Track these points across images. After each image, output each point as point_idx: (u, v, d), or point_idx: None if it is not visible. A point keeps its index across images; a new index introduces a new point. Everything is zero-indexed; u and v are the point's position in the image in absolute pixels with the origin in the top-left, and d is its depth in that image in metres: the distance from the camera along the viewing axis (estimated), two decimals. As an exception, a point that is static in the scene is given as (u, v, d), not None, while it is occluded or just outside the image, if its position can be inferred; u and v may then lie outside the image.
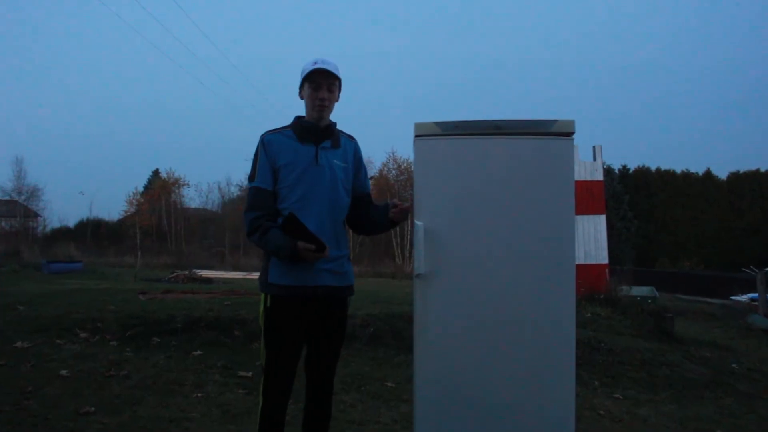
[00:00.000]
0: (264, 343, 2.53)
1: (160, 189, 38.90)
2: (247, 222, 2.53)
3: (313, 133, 2.57)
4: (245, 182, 37.63)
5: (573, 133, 2.56)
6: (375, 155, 41.81)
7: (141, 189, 41.41)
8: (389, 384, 4.98)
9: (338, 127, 2.69)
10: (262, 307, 2.55)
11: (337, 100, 2.65)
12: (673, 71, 66.83)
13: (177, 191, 39.90)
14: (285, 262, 2.46)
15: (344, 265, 2.59)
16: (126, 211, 39.74)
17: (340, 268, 2.56)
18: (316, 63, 2.54)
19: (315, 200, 2.51)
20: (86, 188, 67.61)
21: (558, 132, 2.55)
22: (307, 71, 2.55)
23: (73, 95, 62.14)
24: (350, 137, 2.73)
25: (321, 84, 2.55)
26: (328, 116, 2.62)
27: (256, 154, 2.58)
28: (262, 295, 2.56)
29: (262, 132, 2.60)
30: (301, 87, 2.61)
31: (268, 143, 2.56)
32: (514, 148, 2.57)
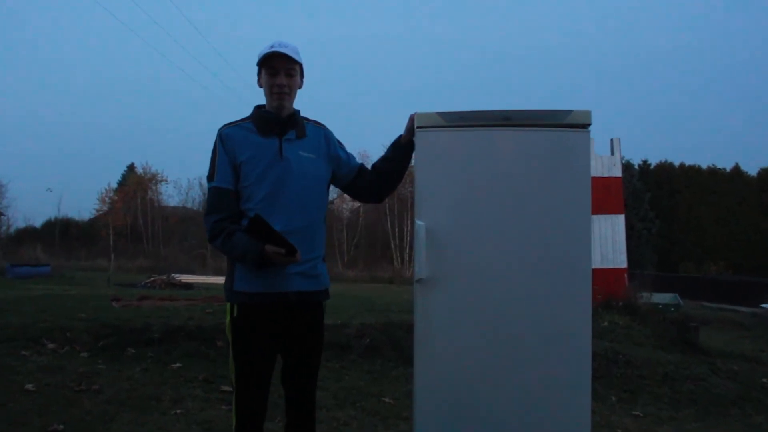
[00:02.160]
0: (233, 357, 2.52)
1: (135, 185, 38.87)
2: (209, 226, 2.50)
3: (274, 123, 2.54)
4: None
5: (589, 124, 2.56)
6: (371, 149, 41.75)
7: (114, 185, 41.37)
8: (387, 400, 4.98)
9: (325, 120, 2.69)
10: (228, 318, 2.52)
11: (299, 87, 2.63)
12: (699, 58, 66.98)
13: (154, 188, 39.89)
14: (251, 268, 2.45)
15: (317, 267, 2.57)
16: (98, 210, 39.75)
17: (312, 270, 2.54)
18: (272, 47, 2.52)
19: (282, 198, 2.48)
20: (54, 185, 67.25)
21: (573, 123, 2.56)
22: (262, 55, 2.53)
23: (39, 84, 61.97)
24: (317, 124, 2.71)
25: (278, 69, 2.53)
26: (291, 104, 2.60)
27: (214, 151, 2.55)
28: (228, 305, 2.54)
29: (221, 125, 2.57)
30: (259, 75, 2.59)
31: (226, 138, 2.53)
32: (525, 140, 2.57)
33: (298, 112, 2.64)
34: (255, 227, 2.38)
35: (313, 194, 2.57)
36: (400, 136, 2.74)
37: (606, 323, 9.55)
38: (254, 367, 2.50)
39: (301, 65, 2.60)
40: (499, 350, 2.52)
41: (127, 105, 62.08)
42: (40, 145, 58.56)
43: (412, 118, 2.67)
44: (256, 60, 2.57)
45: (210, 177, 2.55)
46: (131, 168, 42.52)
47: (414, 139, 2.66)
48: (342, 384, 5.30)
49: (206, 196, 2.64)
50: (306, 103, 2.77)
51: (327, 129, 2.72)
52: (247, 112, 2.64)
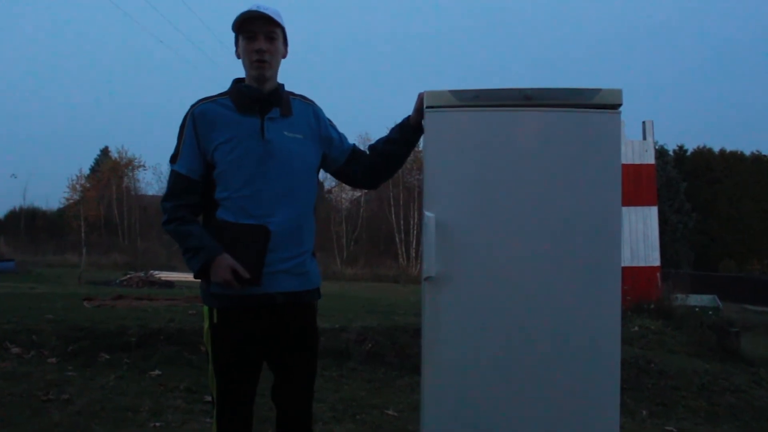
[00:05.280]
0: (213, 369, 2.49)
1: (109, 172, 39.00)
2: (168, 208, 2.47)
3: (255, 100, 2.49)
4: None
5: (620, 105, 2.55)
6: (373, 132, 41.70)
7: (87, 172, 41.52)
8: (390, 412, 4.99)
9: (301, 91, 2.64)
10: (207, 324, 2.49)
11: (283, 55, 2.59)
12: (740, 31, 66.59)
13: (131, 174, 40.03)
14: (191, 266, 2.44)
15: (306, 263, 2.53)
16: (68, 199, 39.91)
17: (300, 267, 2.50)
18: (249, 9, 2.47)
19: (264, 184, 2.43)
20: (19, 171, 67.68)
21: (602, 104, 2.54)
22: (238, 18, 2.47)
23: (5, 61, 62.02)
24: (304, 99, 2.66)
25: (256, 33, 2.47)
26: (273, 76, 2.54)
27: (181, 129, 2.49)
28: (206, 309, 2.50)
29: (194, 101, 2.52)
30: (236, 42, 2.54)
31: (200, 117, 2.46)
32: (548, 122, 2.56)
33: (282, 86, 2.59)
34: (251, 235, 2.39)
35: (300, 180, 2.52)
36: (408, 116, 2.72)
37: (636, 328, 9.57)
38: (237, 380, 2.48)
39: (283, 29, 2.55)
40: (516, 358, 2.51)
41: (101, 82, 62.08)
42: (4, 127, 58.66)
43: (421, 97, 2.65)
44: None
45: (173, 158, 2.50)
46: (105, 152, 42.66)
47: (423, 120, 2.65)
48: (340, 395, 5.32)
49: (168, 178, 2.58)
50: (306, 81, 2.74)
51: (316, 105, 2.68)
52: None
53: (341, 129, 2.75)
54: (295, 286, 2.49)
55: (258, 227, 2.40)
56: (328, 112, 2.71)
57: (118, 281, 16.75)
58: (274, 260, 2.41)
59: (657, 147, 20.55)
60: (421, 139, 2.71)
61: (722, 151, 40.99)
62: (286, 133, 2.50)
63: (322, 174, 2.79)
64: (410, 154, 2.85)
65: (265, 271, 2.39)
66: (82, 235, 26.83)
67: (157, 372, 5.62)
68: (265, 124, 2.47)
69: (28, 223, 34.75)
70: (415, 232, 32.48)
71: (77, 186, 40.11)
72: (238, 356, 2.46)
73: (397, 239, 34.54)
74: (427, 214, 2.54)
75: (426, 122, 2.61)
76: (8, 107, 58.75)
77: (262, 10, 2.45)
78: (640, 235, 15.67)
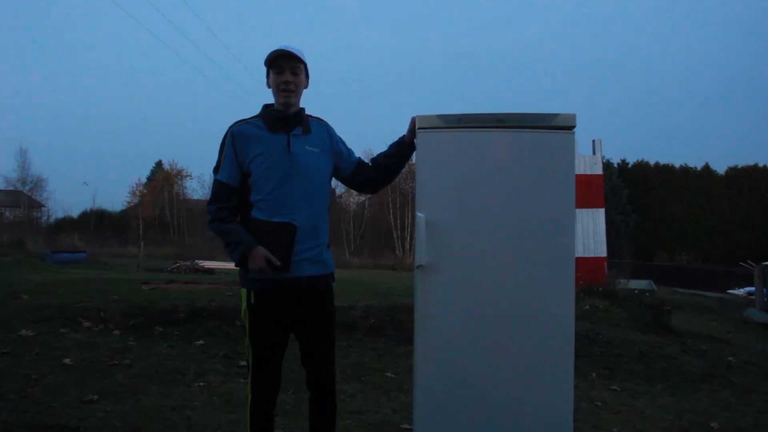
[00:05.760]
0: (248, 341, 2.49)
1: (162, 180, 38.95)
2: (212, 210, 2.50)
3: (282, 120, 2.51)
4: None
5: (574, 126, 2.54)
6: (375, 147, 41.66)
7: (144, 180, 41.47)
8: (389, 374, 4.99)
9: (324, 116, 2.65)
10: (244, 304, 2.50)
11: (305, 86, 2.61)
12: (672, 65, 66.60)
13: (179, 183, 39.98)
14: (231, 257, 2.46)
15: (323, 253, 2.55)
16: (129, 202, 39.88)
17: (318, 256, 2.52)
18: (278, 48, 2.50)
19: (290, 189, 2.45)
20: (90, 179, 67.58)
21: (559, 125, 2.54)
22: (269, 56, 2.51)
23: (78, 86, 62.06)
24: (320, 120, 2.67)
25: (284, 67, 2.50)
26: (297, 102, 2.56)
27: (222, 145, 2.52)
28: (244, 291, 2.51)
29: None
30: (267, 75, 2.57)
31: (237, 135, 2.49)
32: (516, 141, 2.55)
33: (303, 110, 2.61)
34: (281, 230, 2.40)
35: (317, 186, 2.54)
36: (404, 135, 2.72)
37: (587, 306, 9.56)
38: (270, 349, 2.49)
39: (305, 65, 2.58)
40: (490, 330, 2.51)
41: (157, 107, 62.12)
42: (78, 144, 58.73)
43: (413, 120, 2.65)
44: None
45: (216, 169, 2.52)
46: (159, 164, 42.57)
47: (415, 139, 2.65)
48: (349, 360, 5.32)
49: (212, 185, 2.61)
50: (316, 103, 2.75)
51: (329, 125, 2.69)
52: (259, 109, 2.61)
53: (349, 145, 2.76)
54: (315, 272, 2.51)
55: (286, 224, 2.42)
56: (339, 131, 2.72)
57: (169, 269, 16.72)
58: (299, 250, 2.43)
59: (604, 161, 20.50)
60: (414, 154, 2.71)
61: (657, 164, 40.85)
62: (307, 147, 2.52)
63: (333, 181, 2.80)
64: (405, 166, 2.85)
65: (292, 259, 2.42)
66: (140, 231, 26.77)
67: (201, 342, 5.63)
68: (291, 139, 2.49)
69: (96, 221, 34.65)
70: (409, 229, 32.42)
71: (137, 192, 40.09)
72: (270, 330, 2.47)
73: (394, 235, 34.48)
74: (419, 214, 2.54)
75: (418, 141, 2.61)
76: (83, 128, 58.70)
77: (288, 49, 2.49)
78: (590, 232, 15.64)
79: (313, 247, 2.49)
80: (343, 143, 2.72)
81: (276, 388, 2.55)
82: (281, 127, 2.50)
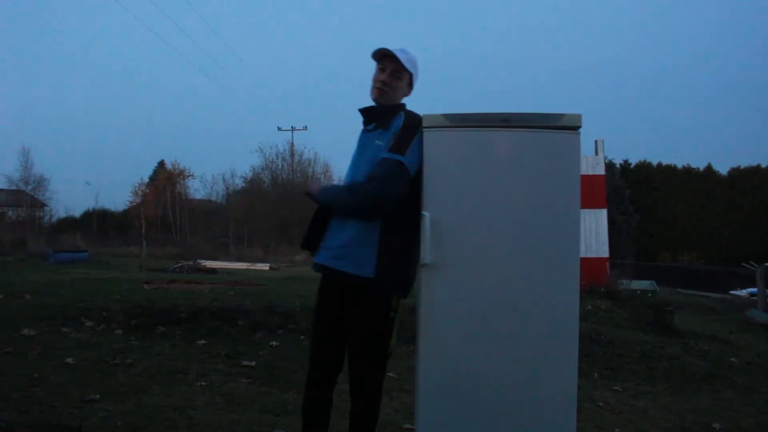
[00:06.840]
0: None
1: (165, 180, 38.93)
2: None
3: (364, 114, 2.64)
4: (249, 174, 37.77)
5: (579, 127, 2.52)
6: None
7: (146, 180, 41.45)
8: (391, 374, 4.97)
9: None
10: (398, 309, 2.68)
11: (405, 94, 2.65)
12: (675, 65, 66.53)
13: (182, 182, 39.95)
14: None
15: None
16: (131, 202, 39.82)
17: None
18: (388, 48, 2.53)
19: (353, 176, 2.57)
20: (92, 179, 67.64)
21: (565, 126, 2.52)
22: (377, 52, 2.56)
23: (80, 86, 62.12)
24: (409, 118, 2.53)
25: (386, 67, 2.56)
26: (387, 102, 2.59)
27: None
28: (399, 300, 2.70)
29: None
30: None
31: None
32: (521, 141, 2.54)
33: (397, 106, 2.61)
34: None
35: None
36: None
37: (589, 307, 9.53)
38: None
39: (411, 75, 2.61)
40: (495, 330, 2.50)
41: (159, 107, 62.17)
42: (81, 144, 58.82)
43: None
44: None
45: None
46: (161, 164, 42.57)
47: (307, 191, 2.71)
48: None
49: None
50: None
51: (406, 120, 2.52)
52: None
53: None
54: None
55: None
56: (348, 130, 2.79)
57: (171, 269, 16.69)
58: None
59: (606, 161, 20.48)
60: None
61: (659, 165, 40.82)
62: (376, 141, 2.53)
63: None
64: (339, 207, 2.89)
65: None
66: (143, 231, 26.69)
67: (202, 341, 5.62)
68: (363, 134, 2.63)
69: (99, 221, 34.61)
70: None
71: (139, 192, 40.04)
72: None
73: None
74: (424, 213, 2.52)
75: (424, 139, 2.59)
76: (84, 126, 58.79)
77: (397, 52, 2.52)
78: (593, 232, 15.60)
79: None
80: (391, 139, 2.48)
81: (328, 366, 2.77)
82: (365, 121, 2.64)
